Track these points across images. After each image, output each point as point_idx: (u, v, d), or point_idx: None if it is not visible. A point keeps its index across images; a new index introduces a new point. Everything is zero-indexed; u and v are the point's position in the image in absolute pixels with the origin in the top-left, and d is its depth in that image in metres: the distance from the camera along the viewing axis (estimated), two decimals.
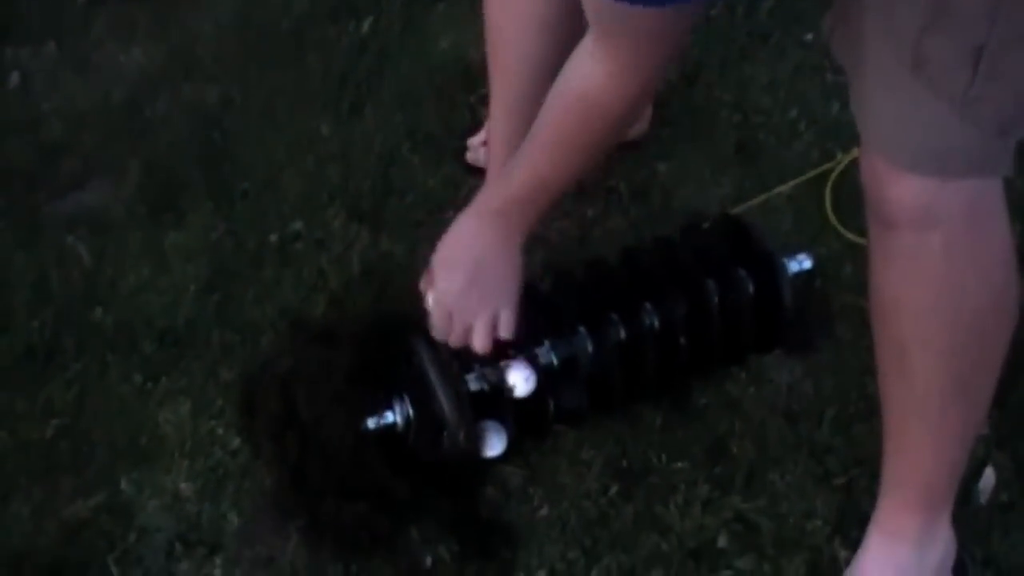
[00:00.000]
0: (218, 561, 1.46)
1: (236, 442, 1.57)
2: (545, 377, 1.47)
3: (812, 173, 1.79)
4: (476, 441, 1.45)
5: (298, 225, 1.84)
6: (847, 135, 1.86)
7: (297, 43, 2.17)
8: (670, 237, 1.60)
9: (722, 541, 1.43)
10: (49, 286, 1.80)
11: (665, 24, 1.12)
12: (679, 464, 1.51)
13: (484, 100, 1.99)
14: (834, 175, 1.78)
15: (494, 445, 1.46)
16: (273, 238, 1.83)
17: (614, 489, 1.49)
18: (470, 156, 1.87)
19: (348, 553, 1.45)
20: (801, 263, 1.58)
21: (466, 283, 1.39)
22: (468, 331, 1.41)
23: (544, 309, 1.52)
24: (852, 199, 1.76)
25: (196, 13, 2.24)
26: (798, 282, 1.56)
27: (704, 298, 1.51)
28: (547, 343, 1.49)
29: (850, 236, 1.69)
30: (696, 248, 1.57)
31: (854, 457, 1.50)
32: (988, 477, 1.45)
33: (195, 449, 1.57)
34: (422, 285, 1.45)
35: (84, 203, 1.95)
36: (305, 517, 1.48)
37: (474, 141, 1.88)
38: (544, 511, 1.48)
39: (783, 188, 1.77)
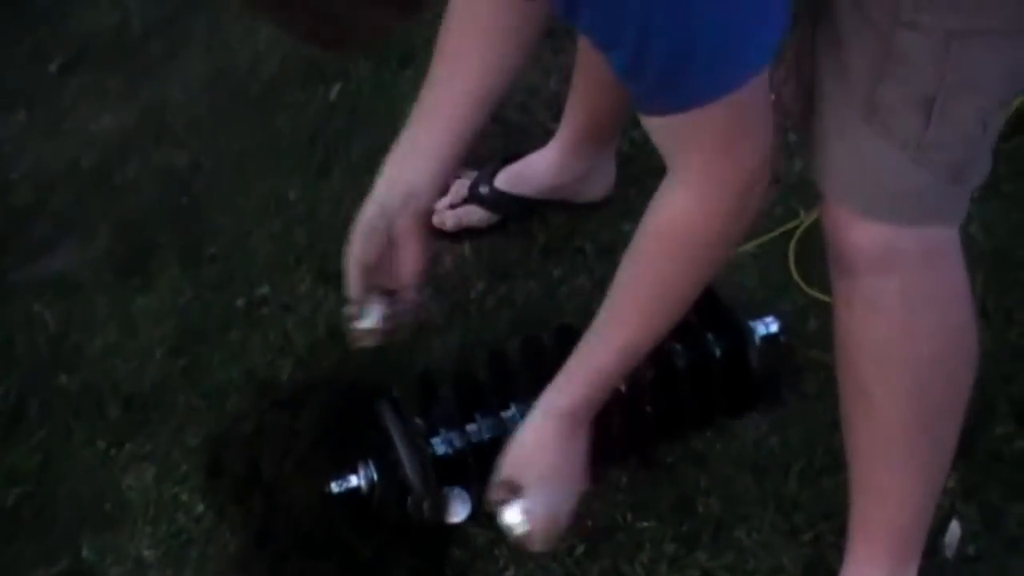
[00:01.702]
0: None
1: (200, 508, 1.56)
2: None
3: (776, 232, 1.80)
4: (441, 508, 1.44)
5: (265, 288, 1.84)
6: (810, 193, 1.87)
7: (266, 106, 2.18)
8: None
9: None
10: (14, 351, 1.80)
11: (732, 119, 1.06)
12: (645, 522, 1.50)
13: None
14: (798, 233, 1.79)
15: (458, 511, 1.46)
16: (240, 302, 1.83)
17: (580, 548, 1.48)
18: (436, 219, 1.87)
19: None
20: (768, 326, 1.58)
21: (552, 492, 1.33)
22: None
23: (512, 374, 1.52)
24: (816, 256, 1.77)
25: (166, 79, 2.26)
26: (765, 345, 1.56)
27: (671, 363, 1.51)
28: (513, 407, 1.49)
29: (814, 293, 1.70)
30: None
31: (821, 512, 1.49)
32: (954, 531, 1.44)
33: (159, 515, 1.56)
34: (495, 497, 1.34)
35: (52, 267, 1.95)
36: None
37: (440, 204, 1.88)
38: (510, 572, 1.47)
39: (747, 247, 1.78)
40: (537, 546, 1.34)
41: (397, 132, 2.06)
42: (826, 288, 1.69)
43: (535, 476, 1.31)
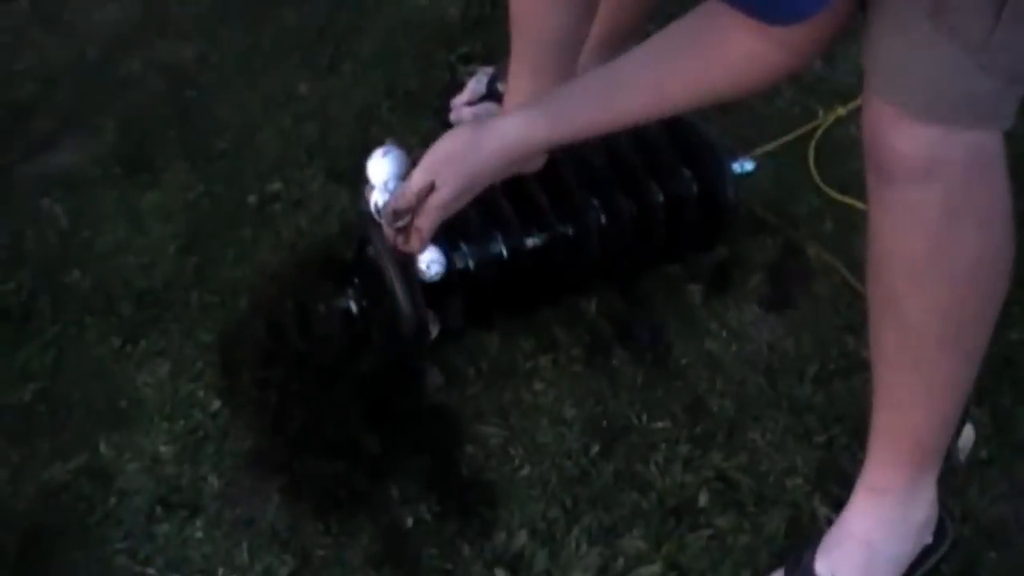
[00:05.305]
0: (199, 523, 1.45)
1: (216, 404, 1.56)
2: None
3: (797, 132, 1.78)
4: (425, 329, 1.48)
5: (276, 185, 1.83)
6: (828, 94, 1.85)
7: (274, 0, 2.14)
8: (616, 136, 1.60)
9: (702, 499, 1.44)
10: (24, 247, 1.79)
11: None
12: (659, 423, 1.51)
13: (464, 58, 1.98)
14: (818, 134, 1.77)
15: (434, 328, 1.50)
16: (251, 198, 1.82)
17: (595, 448, 1.49)
18: (453, 116, 1.86)
19: (328, 512, 1.45)
20: (743, 165, 1.64)
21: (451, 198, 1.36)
22: None
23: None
24: (833, 158, 1.76)
25: None
26: (739, 182, 1.61)
27: (648, 197, 1.55)
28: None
29: (832, 193, 1.69)
30: (642, 147, 1.59)
31: (834, 414, 1.50)
32: (967, 435, 1.45)
33: (174, 411, 1.56)
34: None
35: (58, 163, 1.93)
36: (285, 477, 1.48)
37: (457, 101, 1.86)
38: (525, 471, 1.48)
39: (768, 147, 1.76)
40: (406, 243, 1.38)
41: (408, 26, 2.05)
42: (844, 189, 1.69)
43: (450, 176, 1.32)
